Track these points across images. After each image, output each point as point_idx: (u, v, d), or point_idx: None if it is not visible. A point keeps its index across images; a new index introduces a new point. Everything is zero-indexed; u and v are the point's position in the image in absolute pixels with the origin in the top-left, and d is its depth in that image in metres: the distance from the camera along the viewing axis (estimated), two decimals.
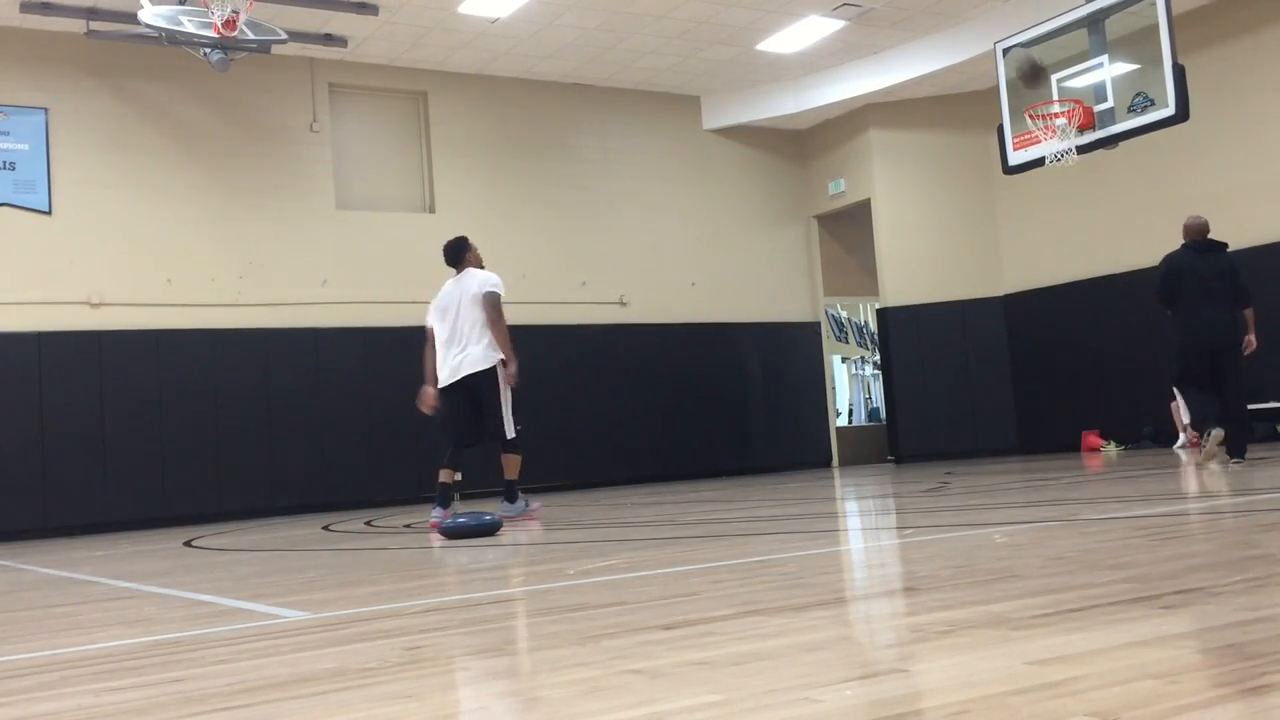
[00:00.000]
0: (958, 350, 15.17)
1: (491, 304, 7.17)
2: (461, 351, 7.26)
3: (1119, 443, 13.43)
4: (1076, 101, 10.28)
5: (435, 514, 6.99)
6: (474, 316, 7.19)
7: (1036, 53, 10.67)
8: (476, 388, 7.25)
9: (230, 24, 9.61)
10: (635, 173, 14.98)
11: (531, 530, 6.54)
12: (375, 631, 2.77)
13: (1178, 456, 10.52)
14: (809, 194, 16.22)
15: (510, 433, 7.32)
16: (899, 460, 15.13)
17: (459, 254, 7.51)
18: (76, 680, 2.37)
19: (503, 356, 7.17)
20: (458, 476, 7.37)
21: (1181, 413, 12.64)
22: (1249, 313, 8.74)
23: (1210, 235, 8.84)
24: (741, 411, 15.32)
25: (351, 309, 12.94)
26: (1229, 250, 8.89)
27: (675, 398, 14.70)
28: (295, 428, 12.43)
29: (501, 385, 7.23)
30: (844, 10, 12.80)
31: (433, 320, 7.56)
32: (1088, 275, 14.15)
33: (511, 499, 7.48)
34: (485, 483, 13.25)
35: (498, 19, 12.42)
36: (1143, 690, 1.54)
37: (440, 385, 7.44)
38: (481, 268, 7.50)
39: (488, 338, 7.16)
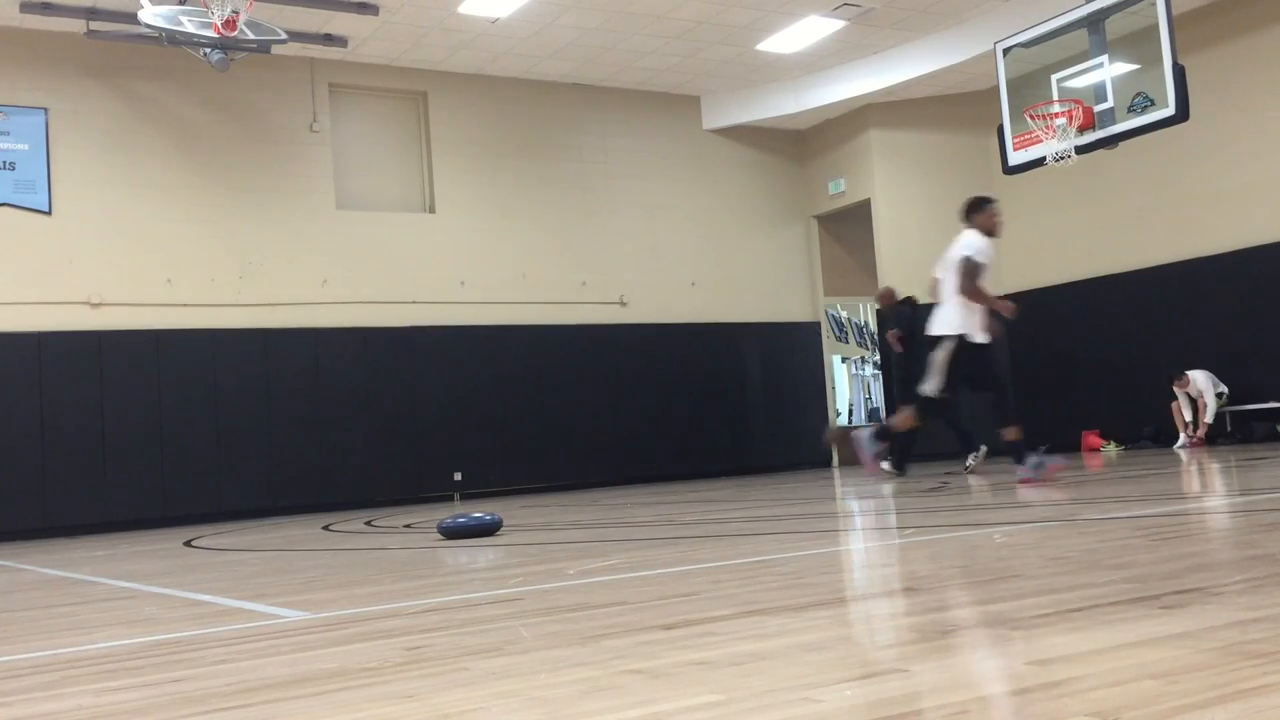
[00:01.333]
0: None
1: (965, 271, 7.39)
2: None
3: (1119, 443, 13.43)
4: (1076, 101, 10.28)
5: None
6: (950, 280, 7.50)
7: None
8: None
9: (230, 24, 9.61)
10: (635, 173, 14.98)
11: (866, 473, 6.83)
12: (375, 631, 2.77)
13: (1178, 456, 10.52)
14: (809, 194, 16.22)
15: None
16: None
17: (969, 212, 7.67)
18: (76, 680, 2.37)
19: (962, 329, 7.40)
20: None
21: (1184, 412, 12.66)
22: None
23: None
24: (741, 411, 15.31)
25: (351, 309, 12.94)
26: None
27: (675, 398, 14.70)
28: (295, 428, 12.43)
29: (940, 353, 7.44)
30: (844, 10, 12.80)
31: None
32: (1088, 275, 14.15)
33: (1020, 460, 7.36)
34: (485, 482, 13.30)
35: (498, 19, 12.42)
36: (1143, 690, 1.54)
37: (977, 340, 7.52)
38: (990, 232, 7.59)
39: (952, 302, 7.44)
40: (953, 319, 7.46)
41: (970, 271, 7.35)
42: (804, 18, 12.94)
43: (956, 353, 7.38)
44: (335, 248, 13.01)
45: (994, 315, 7.59)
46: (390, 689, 2.00)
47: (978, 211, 7.57)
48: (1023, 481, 7.12)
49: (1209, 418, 12.43)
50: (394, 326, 13.12)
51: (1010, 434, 7.42)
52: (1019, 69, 11.06)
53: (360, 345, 12.92)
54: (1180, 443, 12.63)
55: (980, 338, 7.47)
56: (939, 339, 7.53)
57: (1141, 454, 11.82)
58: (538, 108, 14.42)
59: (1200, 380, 12.46)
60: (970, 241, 7.47)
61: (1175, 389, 12.64)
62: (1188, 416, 12.67)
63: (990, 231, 7.56)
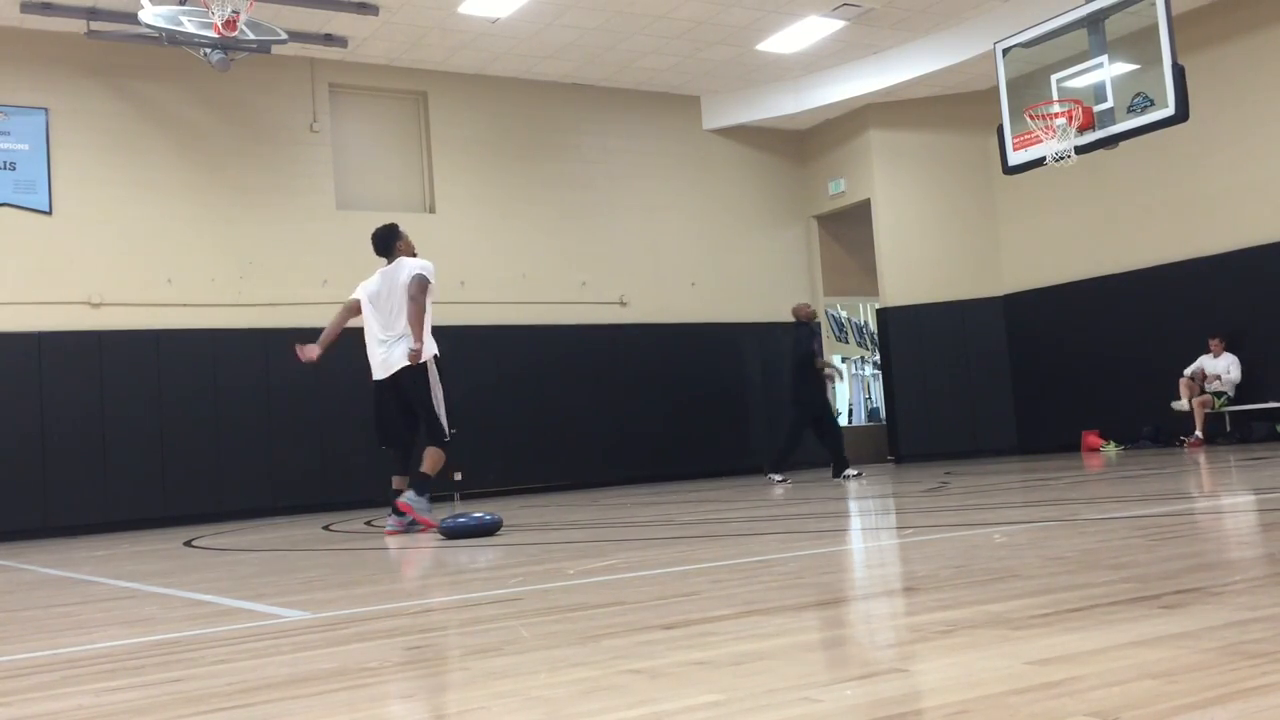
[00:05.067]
0: (958, 350, 15.17)
1: (419, 286, 6.79)
2: (392, 346, 6.95)
3: (1119, 443, 13.43)
4: (1076, 101, 10.27)
5: (390, 523, 6.81)
6: (405, 309, 6.84)
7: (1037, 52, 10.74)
8: (403, 386, 6.90)
9: (230, 24, 9.61)
10: (635, 173, 14.98)
11: (417, 536, 6.33)
12: (375, 631, 2.77)
13: (1181, 455, 10.52)
14: (809, 194, 16.23)
15: (444, 433, 6.87)
16: (899, 460, 15.12)
17: (389, 243, 7.16)
18: (76, 680, 2.37)
19: (434, 353, 6.83)
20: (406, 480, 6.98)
21: (1191, 387, 12.67)
22: None
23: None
24: (741, 411, 15.31)
25: None
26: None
27: (675, 398, 14.70)
28: (295, 428, 12.43)
29: (432, 382, 6.84)
30: (844, 10, 12.80)
31: (361, 297, 7.32)
32: (1088, 275, 14.15)
33: (420, 491, 6.80)
34: (485, 482, 13.29)
35: (498, 19, 12.42)
36: (1143, 690, 1.54)
37: (374, 379, 7.13)
38: (414, 255, 7.16)
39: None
40: None
41: None
42: (804, 18, 12.94)
43: None
44: (335, 248, 13.00)
45: None
46: (390, 689, 2.00)
47: None
48: None
49: (1228, 389, 12.44)
50: None
51: None
52: (1019, 69, 11.06)
53: (360, 345, 12.87)
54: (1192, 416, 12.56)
55: None
56: None
57: (1141, 454, 11.82)
58: (538, 108, 14.42)
59: (1230, 357, 12.53)
60: None
61: (1212, 350, 12.60)
62: (1189, 392, 12.65)
63: None
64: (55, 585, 5.12)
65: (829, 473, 11.16)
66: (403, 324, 6.88)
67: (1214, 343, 12.62)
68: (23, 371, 11.30)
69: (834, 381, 11.33)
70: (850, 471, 10.80)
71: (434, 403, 6.87)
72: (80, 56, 11.84)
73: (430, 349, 6.87)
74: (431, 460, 6.88)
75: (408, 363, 6.80)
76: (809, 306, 11.39)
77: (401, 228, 7.39)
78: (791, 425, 11.22)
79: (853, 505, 6.87)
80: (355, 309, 7.40)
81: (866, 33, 13.51)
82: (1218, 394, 12.54)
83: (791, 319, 11.45)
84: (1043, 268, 14.73)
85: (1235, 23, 12.57)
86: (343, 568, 4.98)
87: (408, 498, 6.76)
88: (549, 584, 3.52)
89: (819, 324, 11.55)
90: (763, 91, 15.20)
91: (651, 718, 1.62)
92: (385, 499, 12.47)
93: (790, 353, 11.29)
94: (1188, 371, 12.68)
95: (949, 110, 15.10)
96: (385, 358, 7.04)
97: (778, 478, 10.81)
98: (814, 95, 14.92)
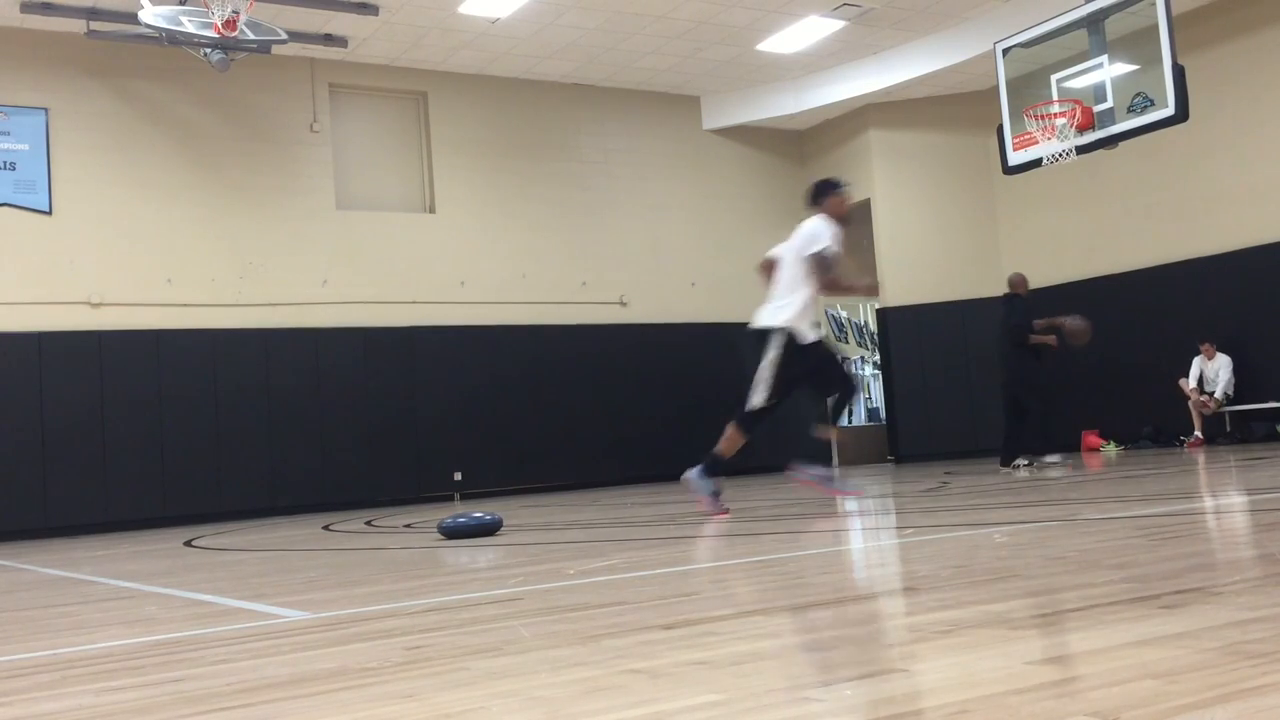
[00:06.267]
0: (958, 350, 15.16)
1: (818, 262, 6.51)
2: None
3: (1119, 443, 13.43)
4: (1076, 101, 10.27)
5: (805, 474, 6.64)
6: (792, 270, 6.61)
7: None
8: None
9: (230, 24, 9.62)
10: (635, 172, 14.98)
11: (710, 521, 5.99)
12: (375, 631, 2.77)
13: (1181, 456, 10.52)
14: None
15: (748, 410, 6.62)
16: (899, 460, 15.12)
17: (815, 196, 7.04)
18: (76, 680, 2.37)
19: (789, 327, 6.52)
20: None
21: (1190, 386, 12.68)
22: None
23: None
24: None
25: (351, 309, 12.94)
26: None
27: (675, 398, 14.69)
28: (295, 428, 12.43)
29: (772, 355, 6.58)
30: (844, 10, 12.80)
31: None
32: (1088, 275, 14.15)
33: (705, 471, 6.50)
34: (485, 482, 13.29)
35: (498, 19, 12.42)
36: (1143, 690, 1.54)
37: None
38: (840, 216, 6.91)
39: (789, 297, 6.58)
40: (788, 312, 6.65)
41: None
42: (804, 18, 12.94)
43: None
44: (335, 248, 13.01)
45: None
46: (390, 689, 2.00)
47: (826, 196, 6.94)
48: (808, 483, 6.85)
49: (1220, 394, 12.44)
50: (394, 326, 13.12)
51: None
52: (1019, 69, 11.06)
53: (360, 345, 12.92)
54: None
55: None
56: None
57: (1141, 454, 11.82)
58: (538, 108, 14.42)
59: (1223, 359, 12.52)
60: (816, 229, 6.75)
61: (1202, 354, 12.62)
62: (1191, 383, 12.66)
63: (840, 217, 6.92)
64: (55, 585, 5.12)
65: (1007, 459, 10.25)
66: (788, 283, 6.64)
67: (1205, 347, 12.61)
68: (23, 371, 11.30)
69: (1046, 354, 10.04)
70: (1021, 461, 10.00)
71: (760, 374, 6.61)
72: (80, 56, 11.84)
73: (788, 319, 6.59)
74: (730, 440, 6.67)
75: (764, 325, 6.66)
76: (1024, 277, 10.58)
77: (842, 185, 7.11)
78: (1008, 409, 10.31)
79: (852, 505, 6.87)
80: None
81: (866, 33, 13.51)
82: (1212, 394, 12.56)
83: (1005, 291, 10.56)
84: (1042, 268, 14.70)
85: (1235, 23, 12.56)
86: (343, 568, 4.98)
87: (691, 474, 6.48)
88: (549, 584, 3.52)
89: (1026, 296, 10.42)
90: (762, 91, 15.20)
91: (651, 718, 1.62)
92: (385, 499, 12.53)
93: (1001, 326, 10.37)
94: (1189, 378, 12.71)
95: (949, 110, 15.09)
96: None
97: (1024, 462, 9.96)
98: (814, 95, 14.92)
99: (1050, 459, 9.99)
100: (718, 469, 6.54)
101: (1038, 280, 14.76)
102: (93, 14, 11.37)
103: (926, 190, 15.39)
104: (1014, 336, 10.09)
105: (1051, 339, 9.98)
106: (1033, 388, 10.17)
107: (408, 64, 13.53)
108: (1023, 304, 10.32)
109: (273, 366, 12.44)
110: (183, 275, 12.21)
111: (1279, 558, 2.95)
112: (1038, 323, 10.11)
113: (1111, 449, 13.36)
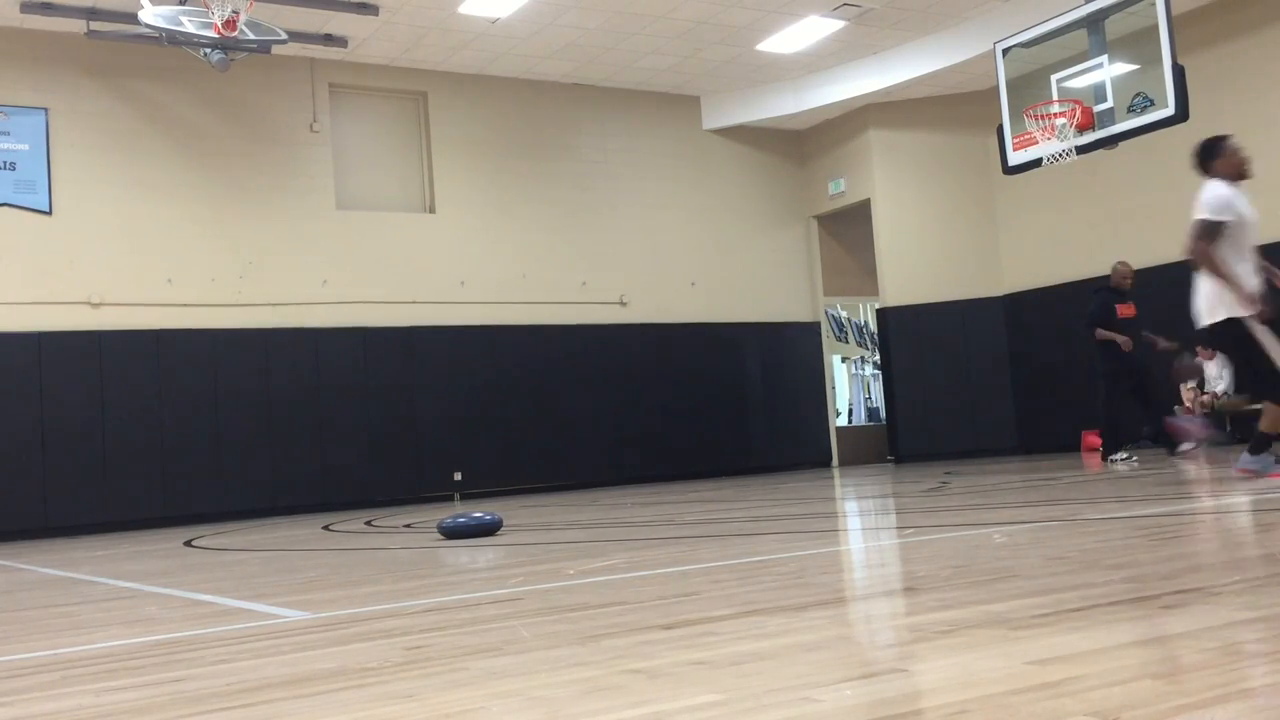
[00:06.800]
0: (958, 350, 15.17)
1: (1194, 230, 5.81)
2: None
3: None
4: (1076, 101, 10.28)
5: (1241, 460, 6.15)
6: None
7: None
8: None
9: (230, 24, 9.62)
10: (635, 173, 14.98)
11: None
12: (375, 631, 2.77)
13: (1178, 461, 10.51)
14: (809, 194, 16.23)
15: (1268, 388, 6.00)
16: (899, 460, 15.13)
17: (1201, 157, 6.41)
18: (76, 680, 2.37)
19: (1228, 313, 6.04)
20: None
21: (1189, 385, 12.66)
22: None
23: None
24: (741, 411, 15.32)
25: (351, 309, 12.94)
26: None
27: (675, 398, 14.70)
28: (295, 428, 12.43)
29: (1246, 338, 6.08)
30: (844, 10, 12.80)
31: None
32: (1088, 275, 14.12)
33: (1253, 450, 6.09)
34: (485, 482, 13.29)
35: (498, 19, 12.42)
36: (1143, 690, 1.54)
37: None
38: (1234, 177, 6.35)
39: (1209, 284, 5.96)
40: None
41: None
42: (804, 18, 12.94)
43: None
44: (335, 248, 13.01)
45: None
46: (390, 689, 2.00)
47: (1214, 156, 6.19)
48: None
49: (1220, 390, 12.44)
50: (394, 326, 13.12)
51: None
52: (1019, 69, 11.06)
53: (360, 345, 12.92)
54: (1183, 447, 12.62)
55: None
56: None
57: (1141, 454, 11.80)
58: (538, 108, 14.42)
59: (1223, 359, 12.56)
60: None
61: (1200, 357, 12.62)
62: (1191, 384, 12.67)
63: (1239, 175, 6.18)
64: (55, 585, 5.12)
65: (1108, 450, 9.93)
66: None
67: (1201, 350, 12.64)
68: (23, 371, 11.30)
69: (1124, 349, 9.63)
70: (1120, 455, 9.63)
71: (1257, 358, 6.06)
72: (80, 56, 11.84)
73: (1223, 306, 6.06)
74: (1267, 415, 6.16)
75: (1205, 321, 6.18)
76: (1126, 266, 10.04)
77: (1228, 139, 6.51)
78: (1104, 398, 9.97)
79: (853, 505, 6.87)
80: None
81: (866, 33, 13.51)
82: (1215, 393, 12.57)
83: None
84: (1043, 268, 14.72)
85: (1235, 23, 12.56)
86: (343, 568, 4.98)
87: (1242, 460, 6.15)
88: (549, 584, 3.52)
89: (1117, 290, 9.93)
90: (762, 91, 15.20)
91: (651, 718, 1.62)
92: (385, 499, 12.54)
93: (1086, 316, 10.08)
94: (1190, 384, 12.72)
95: (949, 110, 15.10)
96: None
97: (1121, 456, 9.61)
98: (814, 95, 14.92)
99: (1116, 457, 9.65)
100: (1266, 444, 6.17)
101: (1038, 280, 14.82)
102: (93, 14, 11.37)
103: (926, 190, 15.39)
104: (1085, 330, 9.94)
105: (1121, 338, 9.78)
106: (1108, 377, 9.90)
107: (408, 64, 13.53)
108: (1106, 297, 9.97)
109: (273, 366, 12.44)
110: (183, 275, 12.21)
111: (1279, 558, 2.95)
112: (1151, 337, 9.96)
113: None
